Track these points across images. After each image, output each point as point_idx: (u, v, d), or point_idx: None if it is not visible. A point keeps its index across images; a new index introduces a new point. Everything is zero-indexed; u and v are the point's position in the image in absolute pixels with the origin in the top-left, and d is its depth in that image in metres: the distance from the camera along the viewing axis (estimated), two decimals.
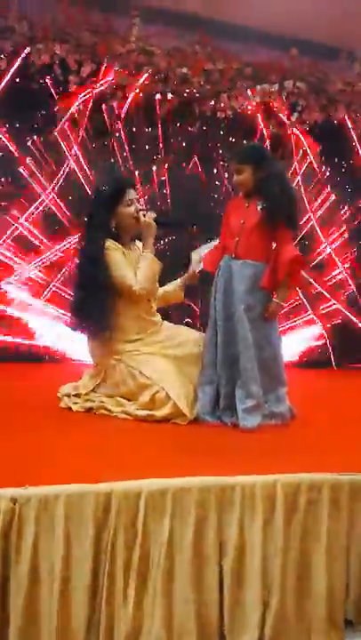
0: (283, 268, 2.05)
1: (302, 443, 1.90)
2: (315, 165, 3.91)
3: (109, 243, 2.22)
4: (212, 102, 3.83)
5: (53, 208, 3.49)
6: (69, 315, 2.37)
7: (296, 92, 4.07)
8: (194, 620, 1.35)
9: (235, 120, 3.93)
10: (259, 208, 2.10)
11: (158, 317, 2.36)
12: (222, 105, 3.87)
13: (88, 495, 1.32)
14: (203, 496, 1.39)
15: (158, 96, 3.66)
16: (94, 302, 2.20)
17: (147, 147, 3.77)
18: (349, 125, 4.14)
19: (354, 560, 1.50)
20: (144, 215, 2.24)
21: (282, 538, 1.42)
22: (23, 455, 1.59)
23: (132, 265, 2.24)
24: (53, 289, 3.51)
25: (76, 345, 3.49)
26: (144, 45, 3.70)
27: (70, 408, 2.22)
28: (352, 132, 4.17)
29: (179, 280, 2.50)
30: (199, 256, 2.33)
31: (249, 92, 3.84)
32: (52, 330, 3.52)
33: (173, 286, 2.48)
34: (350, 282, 4.03)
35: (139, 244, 2.34)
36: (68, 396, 2.33)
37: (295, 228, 2.17)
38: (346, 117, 4.11)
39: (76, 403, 2.25)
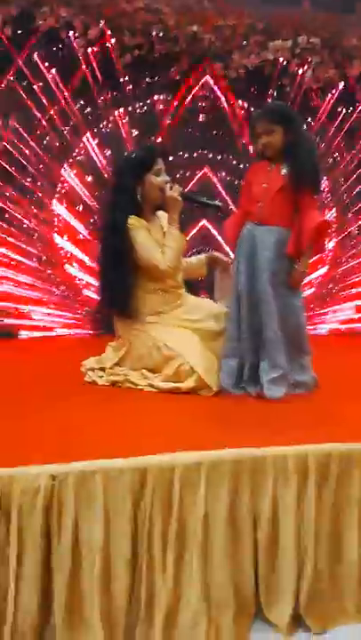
0: (308, 235, 2.01)
1: (328, 412, 1.89)
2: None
3: (132, 219, 2.17)
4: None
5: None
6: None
7: (310, 47, 3.90)
8: (231, 589, 1.38)
9: (248, 78, 3.80)
10: (283, 172, 2.04)
11: (183, 290, 2.33)
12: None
13: (125, 470, 1.33)
14: (236, 468, 1.40)
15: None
16: (118, 278, 2.19)
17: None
18: None
19: None
20: (171, 188, 2.18)
21: (314, 507, 1.43)
22: (57, 431, 1.60)
23: (156, 239, 2.20)
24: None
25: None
26: (151, 3, 3.55)
27: (95, 382, 2.23)
28: None
29: (203, 255, 2.47)
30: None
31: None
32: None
33: (197, 261, 2.45)
34: None
35: (161, 214, 2.29)
36: (93, 370, 2.34)
37: (318, 194, 2.11)
38: None
39: (101, 376, 2.26)
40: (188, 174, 3.62)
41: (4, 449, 1.42)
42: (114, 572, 1.31)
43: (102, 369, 2.31)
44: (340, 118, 3.89)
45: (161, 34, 3.61)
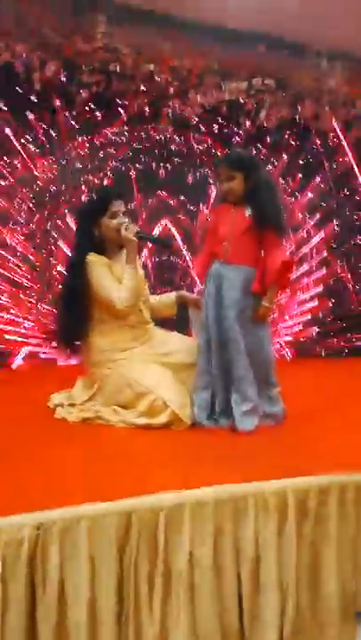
0: (274, 273, 2.10)
1: (300, 443, 1.95)
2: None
3: (92, 256, 2.23)
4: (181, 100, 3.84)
5: None
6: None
7: (264, 89, 4.10)
8: (217, 626, 1.39)
9: (204, 117, 3.96)
10: (247, 214, 2.13)
11: (150, 324, 2.37)
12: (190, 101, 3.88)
13: (109, 515, 1.33)
14: (218, 508, 1.43)
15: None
16: (70, 316, 2.27)
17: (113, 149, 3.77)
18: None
19: None
20: (126, 229, 2.22)
21: (294, 543, 1.47)
22: (37, 474, 1.58)
23: (117, 276, 2.24)
24: None
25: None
26: (110, 43, 3.64)
27: (65, 419, 2.22)
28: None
29: (173, 294, 2.52)
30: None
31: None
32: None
33: (167, 299, 2.50)
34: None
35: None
36: (62, 405, 2.33)
37: (284, 234, 2.21)
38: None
39: (70, 412, 2.25)
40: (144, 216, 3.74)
41: None
42: (100, 619, 1.30)
43: (72, 405, 2.31)
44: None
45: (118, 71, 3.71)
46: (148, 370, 2.20)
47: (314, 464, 1.63)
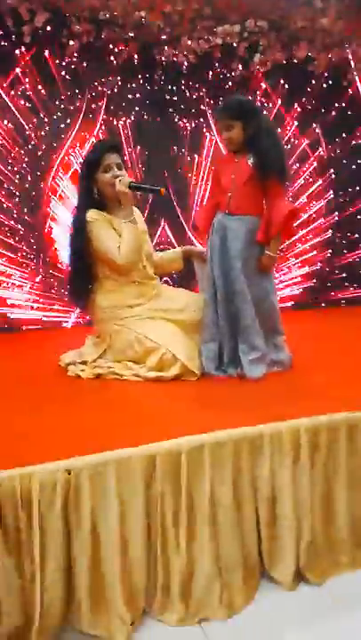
0: (279, 223, 2.11)
1: (308, 387, 2.03)
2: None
3: (91, 213, 2.22)
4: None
5: None
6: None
7: (257, 30, 3.96)
8: (239, 555, 1.51)
9: (197, 64, 3.85)
10: (250, 162, 2.12)
11: (157, 281, 2.40)
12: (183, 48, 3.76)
13: (135, 459, 1.41)
14: (236, 448, 1.51)
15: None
16: (76, 275, 2.31)
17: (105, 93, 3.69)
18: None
19: None
20: (120, 181, 2.19)
21: (308, 476, 1.57)
22: (62, 426, 1.66)
23: (120, 232, 2.24)
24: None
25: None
26: None
27: (79, 376, 2.29)
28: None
29: (179, 249, 2.53)
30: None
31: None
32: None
33: (173, 254, 2.51)
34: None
35: (134, 210, 2.33)
36: (74, 363, 2.39)
37: (286, 181, 2.21)
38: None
39: (83, 370, 2.32)
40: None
41: (17, 447, 1.47)
42: (131, 554, 1.41)
43: (84, 362, 2.37)
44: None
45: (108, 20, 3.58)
46: (156, 325, 2.24)
47: (322, 405, 1.71)
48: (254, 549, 1.54)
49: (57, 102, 3.56)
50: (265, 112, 2.59)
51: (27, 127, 3.49)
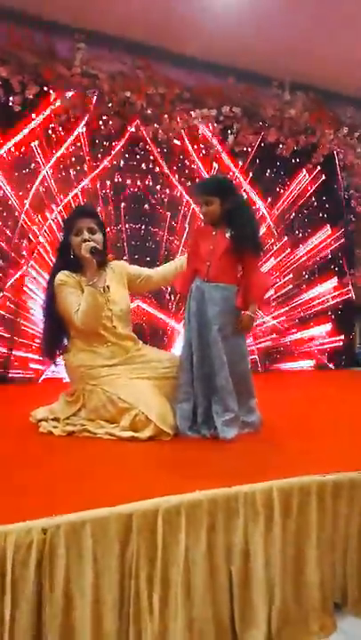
0: (256, 292, 2.26)
1: (279, 448, 2.09)
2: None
3: (60, 275, 2.32)
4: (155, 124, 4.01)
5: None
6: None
7: (232, 115, 4.32)
8: (211, 620, 1.49)
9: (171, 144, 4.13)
10: (227, 235, 2.28)
11: (130, 342, 2.45)
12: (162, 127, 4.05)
13: (112, 518, 1.42)
14: (211, 507, 1.54)
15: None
16: (48, 332, 2.42)
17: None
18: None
19: (339, 550, 1.71)
20: (84, 246, 2.26)
21: (280, 538, 1.60)
22: (36, 485, 1.65)
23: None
24: None
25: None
26: (87, 69, 3.77)
27: (51, 432, 2.28)
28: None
29: (175, 260, 2.62)
30: None
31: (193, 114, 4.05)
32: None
33: (169, 267, 2.60)
34: None
35: (114, 264, 2.47)
36: (46, 420, 2.38)
37: (260, 254, 2.37)
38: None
39: (56, 427, 2.32)
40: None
41: None
42: (104, 615, 1.38)
43: (56, 419, 2.37)
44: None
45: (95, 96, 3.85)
46: (129, 385, 2.28)
47: (294, 467, 1.76)
48: (227, 614, 1.53)
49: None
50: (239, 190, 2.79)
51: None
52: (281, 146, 4.50)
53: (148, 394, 2.27)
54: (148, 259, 3.78)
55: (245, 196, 2.56)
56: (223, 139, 4.27)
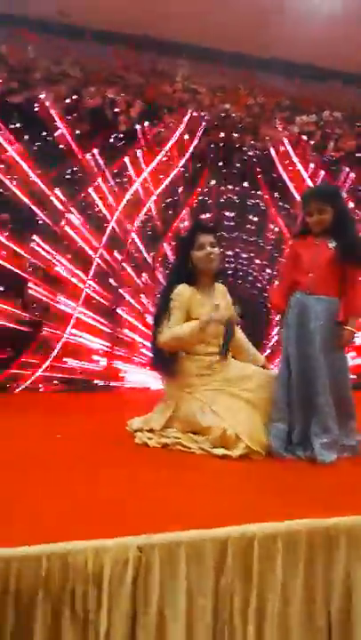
0: (358, 305, 2.16)
1: None
2: None
3: (181, 287, 2.36)
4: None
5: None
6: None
7: (332, 120, 4.17)
8: None
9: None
10: (331, 246, 2.19)
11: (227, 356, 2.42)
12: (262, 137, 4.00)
13: (207, 541, 1.39)
14: (310, 539, 1.46)
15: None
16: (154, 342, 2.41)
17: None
18: None
19: None
20: (215, 312, 2.34)
21: None
22: (132, 499, 1.67)
23: (195, 310, 2.35)
24: None
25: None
26: (188, 84, 3.84)
27: (146, 444, 2.30)
28: None
29: (260, 358, 2.61)
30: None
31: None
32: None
33: (253, 356, 2.58)
34: None
35: (219, 286, 2.48)
36: (141, 430, 2.42)
37: None
38: None
39: (150, 438, 2.34)
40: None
41: (91, 518, 1.49)
42: None
43: (151, 430, 2.40)
44: None
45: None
46: (222, 399, 2.26)
47: None
48: None
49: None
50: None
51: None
52: None
53: (241, 409, 2.24)
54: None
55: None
56: (323, 145, 4.13)
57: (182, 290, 2.36)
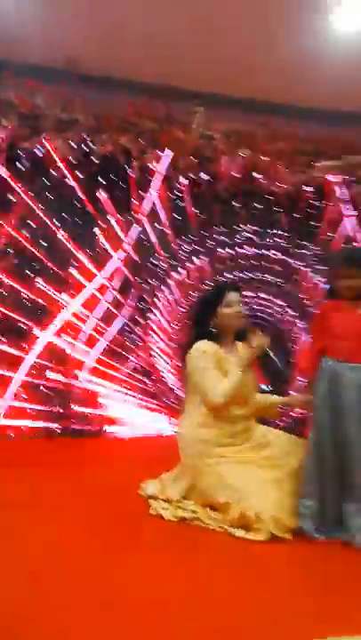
0: None
1: None
2: None
3: (202, 344, 2.25)
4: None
5: None
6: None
7: (355, 163, 4.06)
8: None
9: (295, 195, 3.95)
10: None
11: (252, 421, 2.30)
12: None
13: None
14: None
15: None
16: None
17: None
18: None
19: None
20: (257, 344, 2.25)
21: None
22: (142, 599, 1.46)
23: (223, 366, 2.22)
24: None
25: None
26: (204, 130, 3.79)
27: (161, 515, 2.10)
28: None
29: (280, 398, 2.48)
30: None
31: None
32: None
33: (273, 401, 2.45)
34: None
35: (240, 344, 2.35)
36: (156, 499, 2.24)
37: None
38: None
39: (166, 509, 2.15)
40: None
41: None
42: None
43: (166, 500, 2.21)
44: None
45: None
46: (245, 474, 2.09)
47: None
48: None
49: None
50: None
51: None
52: None
53: (264, 485, 2.05)
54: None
55: None
56: (348, 189, 4.00)
57: (205, 347, 2.25)
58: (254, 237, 3.90)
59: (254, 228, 3.88)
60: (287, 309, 3.75)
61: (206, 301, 2.39)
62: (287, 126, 3.91)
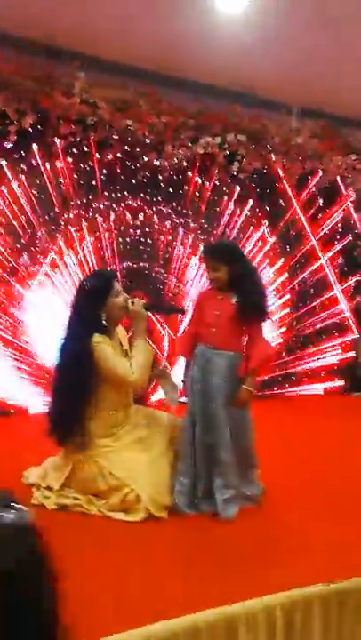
0: (260, 361, 2.17)
1: (281, 541, 1.97)
2: None
3: (98, 337, 2.18)
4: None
5: None
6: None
7: (237, 142, 4.16)
8: None
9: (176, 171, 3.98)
10: (233, 301, 2.18)
11: (133, 406, 2.36)
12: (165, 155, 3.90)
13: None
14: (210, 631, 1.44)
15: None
16: (71, 411, 2.20)
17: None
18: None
19: None
20: (132, 303, 2.23)
21: None
22: None
23: (118, 354, 2.25)
24: None
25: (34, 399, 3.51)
26: (87, 97, 3.63)
27: (44, 505, 2.16)
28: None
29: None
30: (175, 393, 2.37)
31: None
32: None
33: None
34: None
35: (119, 329, 2.35)
36: (38, 488, 2.27)
37: (265, 320, 2.27)
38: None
39: (47, 497, 2.21)
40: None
41: None
42: None
43: (48, 487, 2.25)
44: None
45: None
46: (122, 460, 2.18)
47: (296, 573, 1.66)
48: None
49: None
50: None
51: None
52: (285, 173, 4.35)
53: (143, 470, 2.16)
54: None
55: (251, 263, 2.43)
56: (228, 166, 4.13)
57: (101, 339, 2.17)
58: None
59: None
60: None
61: (95, 292, 2.23)
62: (171, 99, 3.89)
